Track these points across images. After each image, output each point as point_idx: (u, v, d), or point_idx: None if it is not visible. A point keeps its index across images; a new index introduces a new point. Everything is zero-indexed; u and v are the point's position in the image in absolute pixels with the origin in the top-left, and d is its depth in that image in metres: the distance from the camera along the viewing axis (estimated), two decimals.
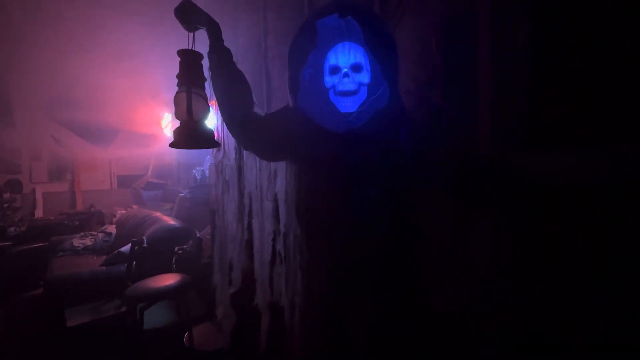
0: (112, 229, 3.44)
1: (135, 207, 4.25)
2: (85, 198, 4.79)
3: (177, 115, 0.77)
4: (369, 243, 0.81)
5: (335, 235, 0.83)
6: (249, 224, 1.06)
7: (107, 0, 3.06)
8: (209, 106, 0.80)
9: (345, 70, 0.81)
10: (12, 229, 3.66)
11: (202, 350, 1.70)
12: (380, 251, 0.82)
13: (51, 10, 3.16)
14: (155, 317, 2.06)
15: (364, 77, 0.82)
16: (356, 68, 0.81)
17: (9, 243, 3.27)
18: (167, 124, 4.68)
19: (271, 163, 1.01)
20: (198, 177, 2.88)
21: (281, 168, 0.97)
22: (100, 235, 3.32)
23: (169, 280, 1.83)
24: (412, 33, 1.07)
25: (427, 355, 0.85)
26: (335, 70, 0.83)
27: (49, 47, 3.58)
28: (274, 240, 1.02)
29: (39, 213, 4.44)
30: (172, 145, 0.78)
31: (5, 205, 4.02)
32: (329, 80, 0.84)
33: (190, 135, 0.77)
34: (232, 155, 1.03)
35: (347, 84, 0.81)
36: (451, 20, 0.99)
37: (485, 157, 0.89)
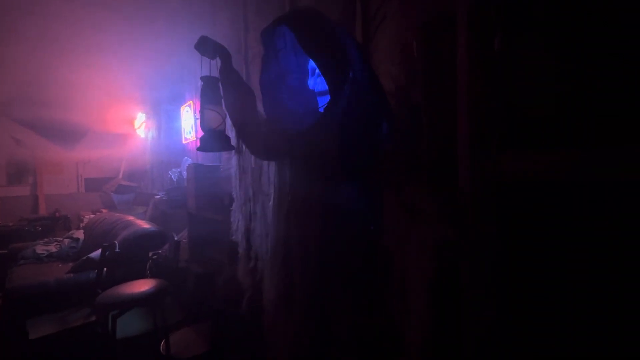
0: (79, 234, 3.25)
1: (105, 211, 4.04)
2: (49, 202, 4.49)
3: (201, 126, 1.07)
4: (341, 242, 0.83)
5: (314, 232, 0.84)
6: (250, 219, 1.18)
7: None
8: (223, 118, 1.07)
9: (318, 70, 0.83)
10: None
11: (180, 358, 1.64)
12: (360, 247, 0.83)
13: (9, 1, 2.95)
14: (128, 325, 1.96)
15: None
16: None
17: None
18: (141, 124, 4.50)
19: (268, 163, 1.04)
20: (175, 179, 2.78)
21: (272, 166, 1.01)
22: (67, 241, 3.12)
23: (143, 286, 1.75)
24: (393, 35, 1.10)
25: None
26: (313, 72, 0.86)
27: (6, 42, 3.33)
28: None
29: None
30: (199, 149, 1.09)
31: None
32: (312, 81, 0.86)
33: (212, 140, 1.06)
34: (236, 156, 1.20)
35: (321, 84, 0.84)
36: (430, 24, 1.03)
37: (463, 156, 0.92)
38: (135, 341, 1.93)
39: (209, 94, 1.04)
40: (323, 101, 0.86)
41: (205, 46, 1.03)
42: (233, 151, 1.24)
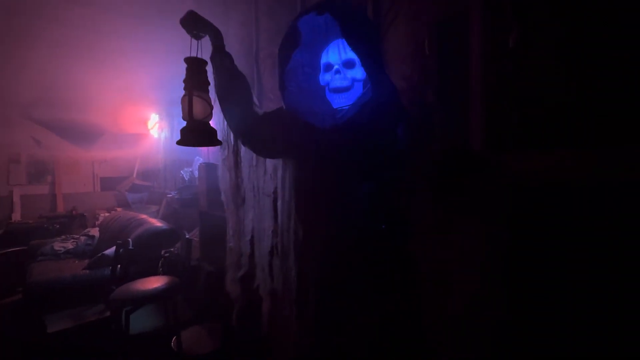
0: (94, 232, 3.33)
1: (119, 209, 4.14)
2: (66, 201, 4.62)
3: (183, 116, 0.85)
4: (359, 239, 0.82)
5: (326, 231, 0.83)
6: (252, 216, 1.10)
7: None
8: (211, 107, 0.87)
9: (337, 66, 0.83)
10: None
11: (191, 355, 1.66)
12: (371, 247, 0.83)
13: (30, 9, 3.06)
14: (141, 321, 2.00)
15: (357, 73, 0.83)
16: (348, 64, 0.83)
17: None
18: (154, 125, 4.59)
19: (270, 160, 1.02)
20: (186, 178, 2.83)
21: (279, 164, 0.99)
22: (83, 238, 3.21)
23: (156, 283, 1.78)
24: (405, 34, 1.09)
25: (419, 351, 0.85)
26: (328, 67, 0.84)
27: (28, 47, 3.46)
28: (274, 232, 1.03)
29: (16, 216, 4.25)
30: (178, 143, 0.85)
31: None
32: (323, 77, 0.85)
33: (195, 134, 0.86)
34: (233, 151, 1.07)
35: (339, 81, 0.82)
36: (443, 22, 1.02)
37: (476, 155, 0.91)
38: (147, 337, 1.97)
39: (194, 79, 0.85)
40: (337, 98, 0.84)
41: (196, 23, 0.87)
42: (224, 149, 1.12)
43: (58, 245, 3.04)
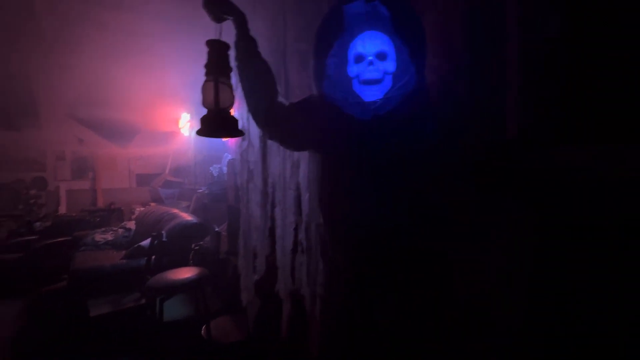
0: (131, 225, 3.53)
1: (153, 204, 4.35)
2: (105, 195, 4.93)
3: (205, 104, 0.79)
4: (393, 233, 0.81)
5: (359, 224, 0.82)
6: (272, 213, 1.07)
7: (129, 4, 3.16)
8: (234, 95, 0.82)
9: (370, 58, 0.81)
10: (38, 223, 3.81)
11: (220, 343, 1.72)
12: (405, 241, 0.81)
13: (75, 14, 3.29)
14: (174, 309, 2.10)
15: (389, 66, 0.81)
16: (381, 56, 0.81)
17: (35, 237, 3.41)
18: (185, 123, 4.78)
19: (294, 152, 1.01)
20: (215, 174, 2.93)
21: (304, 158, 0.98)
22: (120, 230, 3.41)
23: (187, 273, 1.86)
24: (435, 24, 1.06)
25: (450, 344, 0.84)
26: (359, 58, 0.82)
27: (72, 50, 3.72)
28: (295, 229, 1.02)
29: (62, 209, 4.60)
30: (198, 132, 0.80)
31: (32, 201, 4.19)
32: (353, 69, 0.83)
33: (217, 123, 0.79)
34: (257, 144, 1.04)
35: (372, 72, 0.80)
36: (476, 12, 0.98)
37: (512, 145, 0.87)
38: (179, 325, 2.06)
39: (217, 64, 0.78)
40: (367, 90, 0.81)
41: (221, 5, 0.80)
42: (243, 140, 1.05)
43: (98, 237, 3.25)
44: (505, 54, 0.94)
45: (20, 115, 4.40)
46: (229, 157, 2.77)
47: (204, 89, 0.79)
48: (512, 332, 0.82)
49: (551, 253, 0.78)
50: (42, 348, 2.01)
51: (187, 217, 2.83)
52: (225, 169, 2.73)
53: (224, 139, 3.28)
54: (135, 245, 2.71)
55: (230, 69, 0.81)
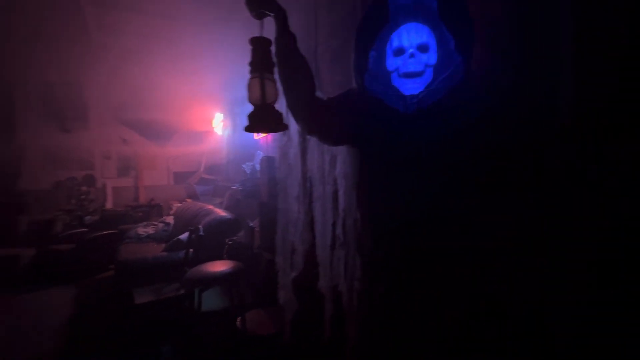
0: (170, 219, 3.72)
1: (189, 200, 4.56)
2: (147, 192, 5.25)
3: (251, 100, 0.80)
4: (433, 229, 0.78)
5: (398, 219, 0.81)
6: (311, 207, 1.08)
7: (168, 11, 3.33)
8: (277, 90, 0.84)
9: (411, 50, 0.79)
10: (88, 217, 4.15)
11: (254, 335, 1.77)
12: (445, 238, 0.79)
13: (121, 25, 3.54)
14: (211, 301, 2.19)
15: (431, 58, 0.79)
16: (422, 48, 0.79)
17: (86, 230, 3.71)
18: (218, 123, 4.97)
19: (332, 147, 1.01)
20: (248, 172, 3.01)
21: (340, 153, 0.98)
22: (160, 225, 3.61)
23: (224, 266, 1.93)
24: (479, 12, 1.02)
25: (495, 349, 0.80)
26: (399, 51, 0.80)
27: (117, 56, 4.00)
28: (333, 224, 1.02)
29: (109, 205, 4.96)
30: (247, 129, 0.82)
31: (82, 197, 4.55)
32: (392, 62, 0.82)
33: (265, 118, 0.81)
34: (296, 139, 1.05)
35: (413, 65, 0.78)
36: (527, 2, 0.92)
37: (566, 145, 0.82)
38: (215, 315, 2.15)
39: (262, 60, 0.80)
40: (408, 84, 0.79)
41: (262, 2, 0.81)
42: (283, 135, 1.06)
43: (141, 230, 3.47)
44: (558, 47, 0.88)
45: (73, 118, 4.81)
46: (261, 154, 2.84)
47: (250, 85, 0.81)
48: (568, 341, 0.77)
49: (615, 252, 0.72)
50: (91, 332, 2.18)
51: (222, 212, 2.94)
52: (258, 166, 2.80)
53: (256, 137, 3.37)
54: (175, 239, 2.86)
55: (273, 65, 0.82)
